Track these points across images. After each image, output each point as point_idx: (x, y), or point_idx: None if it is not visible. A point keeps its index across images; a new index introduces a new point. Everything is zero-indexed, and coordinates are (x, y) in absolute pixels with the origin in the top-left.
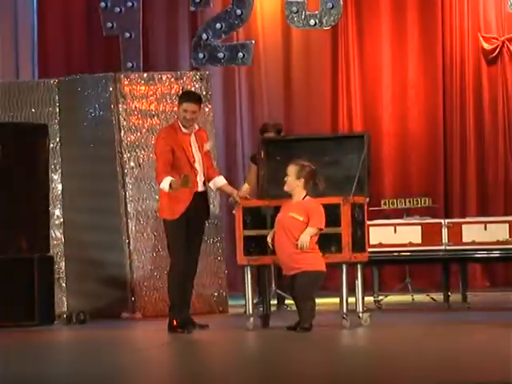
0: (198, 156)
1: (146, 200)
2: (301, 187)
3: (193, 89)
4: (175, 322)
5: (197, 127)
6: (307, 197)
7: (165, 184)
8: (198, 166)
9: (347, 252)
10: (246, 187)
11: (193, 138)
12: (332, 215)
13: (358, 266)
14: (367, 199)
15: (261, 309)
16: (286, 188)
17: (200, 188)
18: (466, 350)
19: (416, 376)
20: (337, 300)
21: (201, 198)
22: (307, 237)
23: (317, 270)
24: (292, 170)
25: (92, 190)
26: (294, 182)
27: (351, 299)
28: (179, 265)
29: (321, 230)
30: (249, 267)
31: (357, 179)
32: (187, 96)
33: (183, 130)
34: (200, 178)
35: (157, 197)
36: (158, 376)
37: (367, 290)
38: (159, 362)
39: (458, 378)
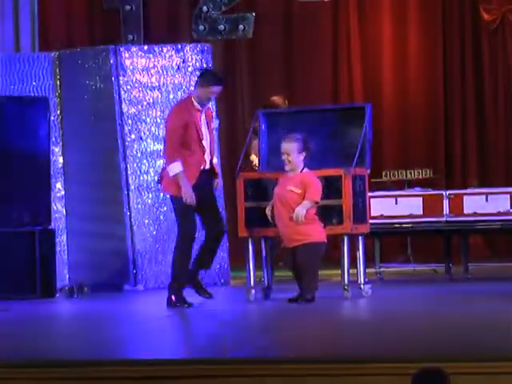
0: (206, 133)
1: (147, 173)
2: (301, 161)
3: (193, 61)
4: (174, 298)
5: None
6: (305, 169)
7: (176, 169)
8: (206, 143)
9: (348, 224)
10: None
11: (203, 115)
12: (333, 187)
13: (360, 237)
14: (368, 171)
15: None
16: (288, 168)
17: (207, 165)
18: (468, 320)
19: (416, 347)
20: (339, 271)
21: (207, 175)
22: (303, 210)
23: (318, 242)
24: (292, 147)
25: (93, 162)
26: (297, 158)
27: (353, 271)
28: (187, 239)
29: (316, 203)
30: (250, 239)
31: (358, 151)
32: (216, 79)
33: (197, 106)
34: (207, 156)
35: (158, 170)
36: (159, 348)
37: (369, 261)
38: (161, 333)
39: (459, 349)
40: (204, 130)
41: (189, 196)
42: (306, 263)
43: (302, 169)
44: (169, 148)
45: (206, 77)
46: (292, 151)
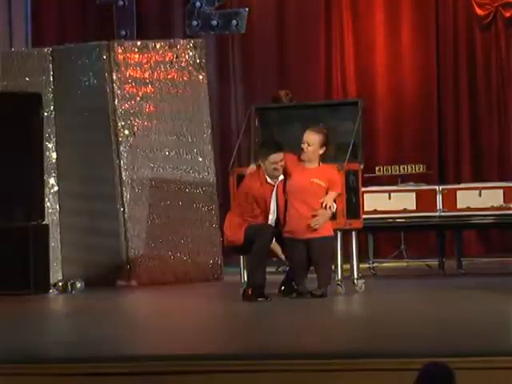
0: (274, 207)
1: (141, 168)
2: (319, 155)
3: (186, 57)
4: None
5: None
6: (323, 164)
7: None
8: (272, 216)
9: (342, 219)
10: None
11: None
12: None
13: (353, 232)
14: (361, 166)
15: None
16: (305, 157)
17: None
18: (461, 315)
19: (410, 342)
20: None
21: None
22: (331, 200)
23: (332, 235)
24: (316, 139)
25: (86, 158)
26: (316, 151)
27: (346, 266)
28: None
29: (339, 194)
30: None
31: (351, 146)
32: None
33: (269, 180)
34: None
35: (151, 164)
36: (154, 343)
37: (362, 256)
38: (155, 329)
39: (452, 344)
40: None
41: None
42: (322, 256)
43: (319, 163)
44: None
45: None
46: (313, 143)
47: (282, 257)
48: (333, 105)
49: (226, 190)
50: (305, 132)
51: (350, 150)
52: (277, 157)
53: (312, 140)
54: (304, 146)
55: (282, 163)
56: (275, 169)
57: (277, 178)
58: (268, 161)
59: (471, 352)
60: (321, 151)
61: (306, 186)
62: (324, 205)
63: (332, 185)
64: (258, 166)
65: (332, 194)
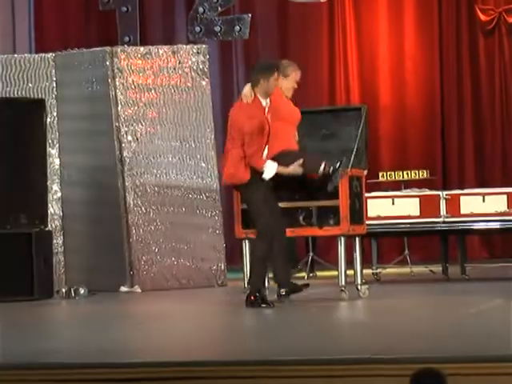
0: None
1: (144, 174)
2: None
3: (189, 62)
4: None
5: None
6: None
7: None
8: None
9: (345, 225)
10: None
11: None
12: None
13: (356, 238)
14: (365, 172)
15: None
16: (290, 95)
17: None
18: (465, 320)
19: (414, 348)
20: (335, 273)
21: None
22: None
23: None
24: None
25: (90, 164)
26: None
27: (351, 272)
28: (267, 237)
29: None
30: (247, 240)
31: (355, 152)
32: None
33: (263, 103)
34: None
35: (155, 170)
36: (157, 349)
37: (366, 262)
38: (159, 334)
39: (457, 349)
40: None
41: None
42: None
43: None
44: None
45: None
46: None
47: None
48: (336, 110)
49: (229, 195)
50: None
51: (353, 155)
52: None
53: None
54: (295, 86)
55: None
56: (294, 87)
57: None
58: (293, 77)
59: (472, 359)
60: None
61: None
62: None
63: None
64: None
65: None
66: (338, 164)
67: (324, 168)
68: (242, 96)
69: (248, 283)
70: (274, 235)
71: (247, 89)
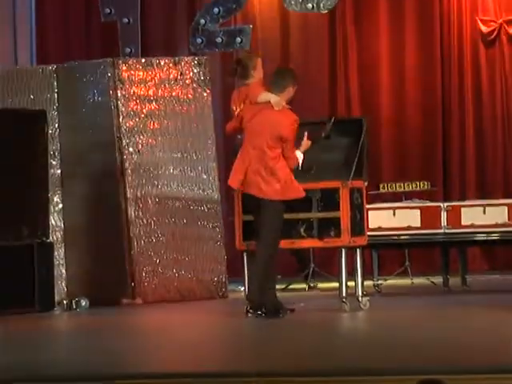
0: None
1: (145, 185)
2: None
3: (191, 74)
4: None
5: None
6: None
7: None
8: None
9: (346, 236)
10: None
11: None
12: (331, 199)
13: (357, 250)
14: (366, 183)
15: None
16: None
17: None
18: (466, 332)
19: (415, 359)
20: (337, 284)
21: None
22: None
23: None
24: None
25: (91, 175)
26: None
27: (352, 283)
28: (274, 250)
29: None
30: (246, 253)
31: (355, 163)
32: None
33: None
34: None
35: (156, 182)
36: (158, 360)
37: (367, 273)
38: (160, 346)
39: (458, 361)
40: None
41: None
42: None
43: None
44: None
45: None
46: None
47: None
48: (337, 122)
49: (230, 207)
50: None
51: (354, 167)
52: None
53: None
54: None
55: None
56: None
57: None
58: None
59: (473, 370)
60: None
61: None
62: None
63: None
64: None
65: None
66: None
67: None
68: (273, 103)
69: (251, 294)
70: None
71: (276, 97)
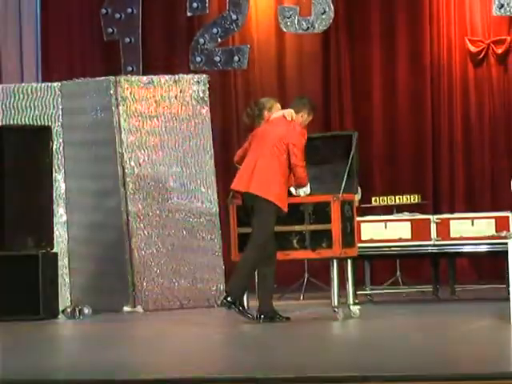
0: None
1: (146, 198)
2: None
3: (190, 91)
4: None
5: None
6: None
7: (307, 190)
8: None
9: (338, 248)
10: None
11: None
12: (322, 212)
13: (349, 260)
14: (357, 196)
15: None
16: None
17: None
18: (454, 339)
19: (406, 365)
20: (328, 293)
21: None
22: None
23: None
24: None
25: (94, 189)
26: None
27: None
28: (262, 252)
29: None
30: None
31: (346, 177)
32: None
33: None
34: None
35: (156, 194)
36: (159, 366)
37: (359, 283)
38: (160, 352)
39: (447, 367)
40: None
41: None
42: None
43: None
44: (304, 171)
45: (313, 108)
46: None
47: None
48: (327, 137)
49: (228, 219)
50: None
51: (344, 181)
52: None
53: None
54: None
55: None
56: None
57: None
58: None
59: (463, 376)
60: None
61: None
62: None
63: None
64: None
65: None
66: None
67: None
68: (285, 112)
69: (232, 285)
70: (269, 256)
71: (289, 109)
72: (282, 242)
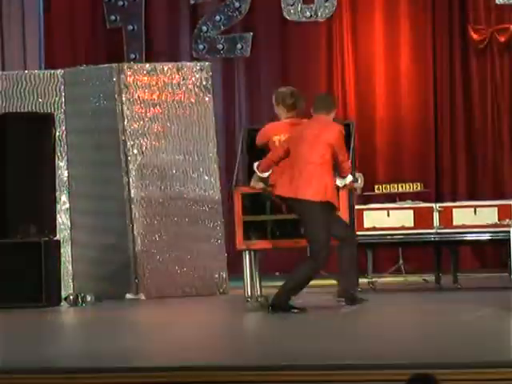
0: None
1: (149, 186)
2: (279, 112)
3: (193, 79)
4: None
5: None
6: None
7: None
8: None
9: None
10: None
11: None
12: None
13: None
14: (361, 185)
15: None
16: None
17: None
18: (457, 328)
19: (409, 353)
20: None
21: None
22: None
23: None
24: (273, 97)
25: (97, 176)
26: (276, 109)
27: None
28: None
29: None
30: (247, 252)
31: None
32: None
33: None
34: None
35: (159, 182)
36: (162, 354)
37: (362, 271)
38: (163, 339)
39: (450, 355)
40: None
41: None
42: None
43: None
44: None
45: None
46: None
47: None
48: None
49: (231, 206)
50: None
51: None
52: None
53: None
54: None
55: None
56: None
57: None
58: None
59: (463, 365)
60: (277, 109)
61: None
62: None
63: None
64: None
65: None
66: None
67: None
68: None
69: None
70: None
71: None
72: (291, 231)
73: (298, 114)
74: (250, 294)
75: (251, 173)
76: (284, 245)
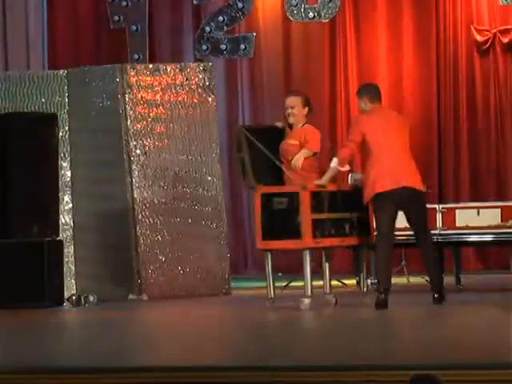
0: None
1: (152, 186)
2: (303, 115)
3: (196, 79)
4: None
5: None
6: (306, 124)
7: None
8: None
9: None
10: None
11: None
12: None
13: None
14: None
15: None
16: (292, 120)
17: None
18: (458, 329)
19: (412, 354)
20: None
21: None
22: (301, 157)
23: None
24: (297, 100)
25: (100, 176)
26: (300, 112)
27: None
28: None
29: (315, 153)
30: (269, 252)
31: None
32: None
33: None
34: None
35: (162, 183)
36: (165, 354)
37: (365, 273)
38: (166, 340)
39: (453, 356)
40: None
41: None
42: None
43: (304, 124)
44: None
45: None
46: (295, 104)
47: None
48: None
49: (233, 207)
50: (285, 99)
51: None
52: (287, 101)
53: (293, 102)
54: (288, 110)
55: (293, 111)
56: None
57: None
58: None
59: (465, 366)
60: (304, 111)
61: (284, 147)
62: (292, 164)
63: (306, 142)
64: None
65: (303, 152)
66: None
67: None
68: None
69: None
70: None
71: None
72: (337, 229)
73: None
74: (273, 295)
75: (254, 171)
76: (334, 243)
